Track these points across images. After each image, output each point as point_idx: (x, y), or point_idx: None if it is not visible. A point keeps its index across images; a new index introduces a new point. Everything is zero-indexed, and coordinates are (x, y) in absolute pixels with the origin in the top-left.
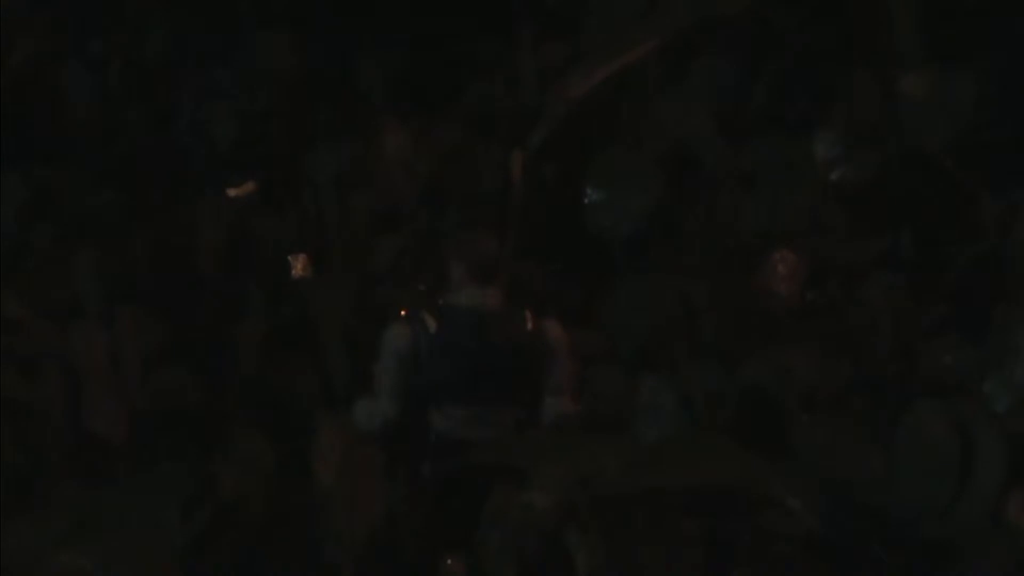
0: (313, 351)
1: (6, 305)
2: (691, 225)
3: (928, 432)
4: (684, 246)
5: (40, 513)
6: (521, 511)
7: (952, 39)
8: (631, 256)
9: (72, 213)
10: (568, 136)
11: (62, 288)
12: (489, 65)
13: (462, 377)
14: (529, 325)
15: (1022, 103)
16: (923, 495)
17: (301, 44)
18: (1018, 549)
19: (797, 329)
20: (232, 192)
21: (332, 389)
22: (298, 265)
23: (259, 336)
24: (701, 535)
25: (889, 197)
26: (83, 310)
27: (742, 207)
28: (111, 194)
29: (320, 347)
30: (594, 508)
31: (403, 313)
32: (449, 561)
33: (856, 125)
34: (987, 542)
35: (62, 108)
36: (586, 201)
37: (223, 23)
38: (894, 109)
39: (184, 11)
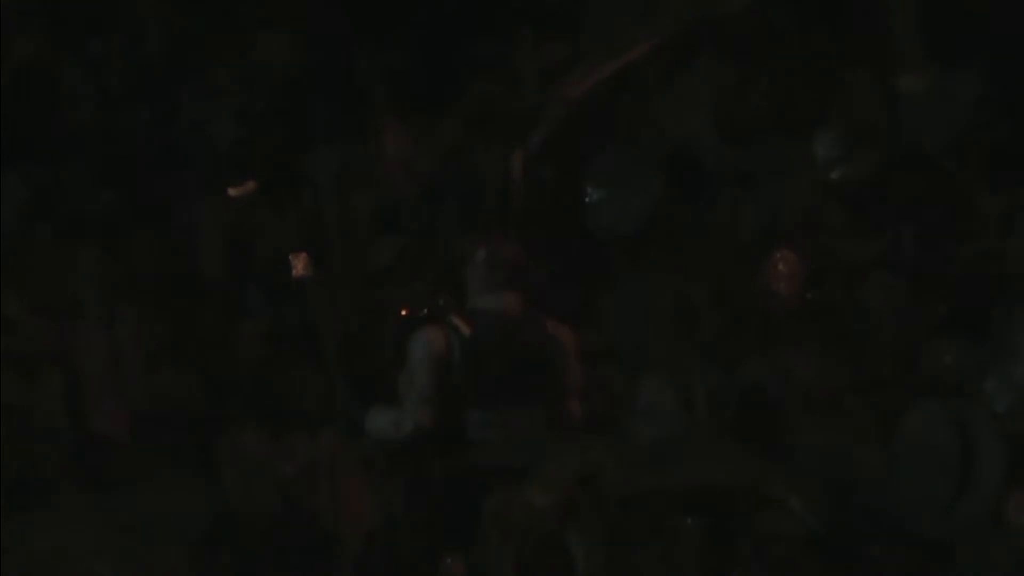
0: (313, 351)
1: (6, 305)
2: (691, 225)
3: (928, 432)
4: (684, 246)
5: (40, 514)
6: (521, 511)
7: (952, 39)
8: (631, 256)
9: (72, 213)
10: (568, 136)
11: (62, 288)
12: (489, 65)
13: (485, 382)
14: (547, 329)
15: (1022, 103)
16: (923, 495)
17: (301, 44)
18: (1018, 549)
19: (797, 329)
20: (232, 192)
21: (333, 389)
22: (299, 265)
23: (260, 336)
24: (701, 535)
25: (889, 197)
26: (83, 310)
27: (742, 207)
28: (111, 194)
29: (321, 347)
30: (594, 508)
31: (403, 312)
32: (449, 560)
33: (856, 125)
34: (987, 542)
35: (62, 108)
36: (586, 201)
37: (223, 23)
38: (894, 109)
39: (184, 11)
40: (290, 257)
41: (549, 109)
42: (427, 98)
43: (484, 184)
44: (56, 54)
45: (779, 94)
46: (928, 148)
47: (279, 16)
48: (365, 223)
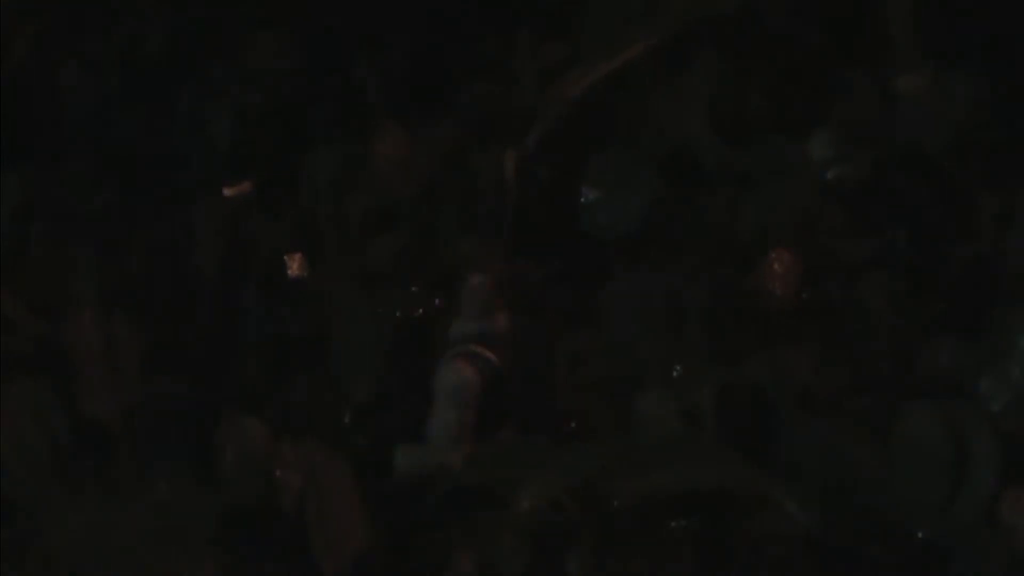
0: (310, 353)
1: (5, 304)
2: (687, 224)
3: (923, 432)
4: (680, 246)
5: (38, 515)
6: (513, 517)
7: (951, 38)
8: (627, 256)
9: (69, 213)
10: (564, 135)
11: (60, 288)
12: (488, 65)
13: (517, 409)
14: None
15: (1022, 103)
16: (918, 495)
17: (299, 44)
18: (1013, 549)
19: (793, 329)
20: (228, 191)
21: (328, 394)
22: (294, 265)
23: (255, 337)
24: (696, 537)
25: (886, 196)
26: (80, 310)
27: (738, 206)
28: (109, 194)
29: (317, 349)
30: (588, 512)
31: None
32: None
33: (853, 124)
34: (983, 542)
35: (60, 108)
36: (582, 201)
37: (222, 22)
38: (891, 108)
39: (184, 11)
40: (285, 258)
41: (545, 109)
42: (425, 98)
43: (482, 185)
44: (55, 54)
45: (777, 94)
46: (926, 148)
47: (278, 16)
48: (362, 224)
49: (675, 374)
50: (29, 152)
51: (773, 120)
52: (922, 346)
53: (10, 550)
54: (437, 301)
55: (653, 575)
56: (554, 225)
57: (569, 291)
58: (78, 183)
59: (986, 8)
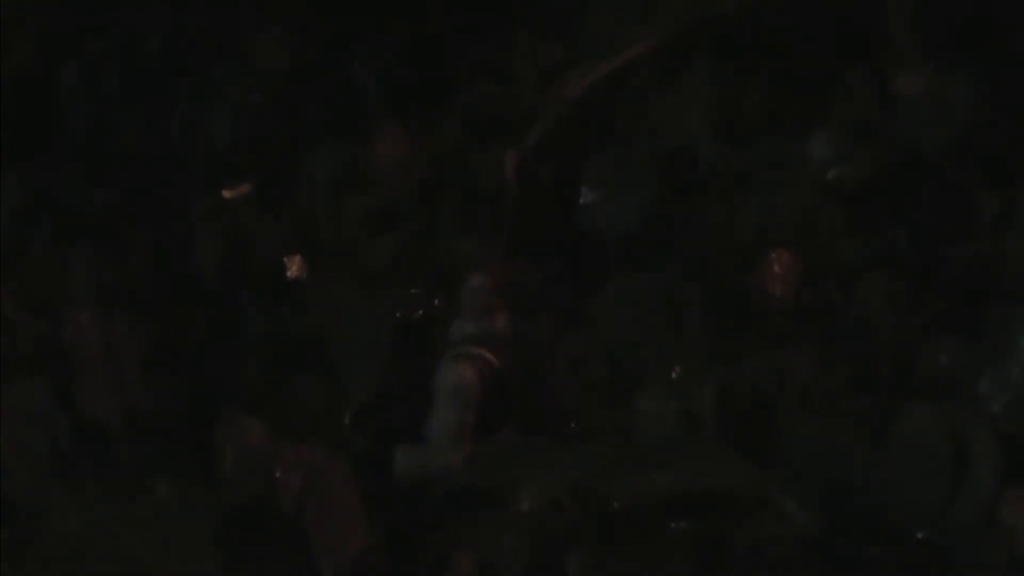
0: (310, 355)
1: (5, 305)
2: (687, 225)
3: (924, 432)
4: (680, 246)
5: (38, 516)
6: (513, 518)
7: (951, 38)
8: (627, 256)
9: (68, 213)
10: (564, 135)
11: (60, 289)
12: (488, 65)
13: (516, 411)
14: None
15: (1022, 103)
16: (918, 496)
17: (299, 44)
18: (1013, 549)
19: (793, 329)
20: (228, 192)
21: (328, 396)
22: (293, 266)
23: (255, 338)
24: (696, 538)
25: (886, 196)
26: (80, 310)
27: (738, 206)
28: (109, 194)
29: (317, 351)
30: (588, 512)
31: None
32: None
33: (853, 124)
34: (983, 542)
35: (60, 108)
36: (582, 201)
37: (222, 23)
38: (891, 108)
39: (184, 11)
40: (284, 259)
41: (545, 109)
42: (423, 99)
43: (482, 185)
44: (55, 54)
45: (777, 94)
46: (926, 148)
47: (278, 16)
48: (362, 224)
49: (675, 374)
50: (29, 152)
51: (773, 120)
52: (922, 346)
53: (10, 550)
54: (437, 301)
55: (653, 575)
56: (554, 225)
57: (569, 291)
58: (78, 183)
59: (986, 8)
